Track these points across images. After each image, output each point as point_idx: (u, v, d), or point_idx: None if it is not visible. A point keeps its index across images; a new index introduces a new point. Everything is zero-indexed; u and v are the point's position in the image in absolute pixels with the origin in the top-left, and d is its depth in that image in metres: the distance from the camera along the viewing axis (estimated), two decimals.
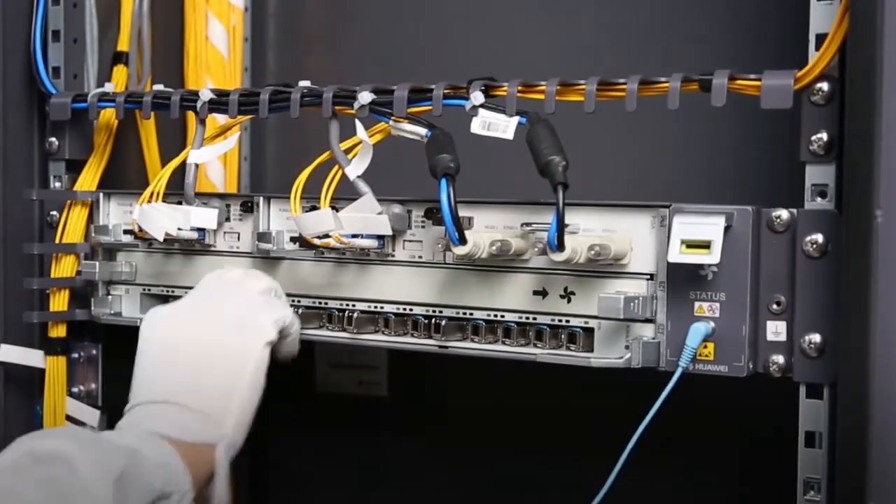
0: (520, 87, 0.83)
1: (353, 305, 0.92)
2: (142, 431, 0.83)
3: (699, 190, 1.03)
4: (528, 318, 0.85)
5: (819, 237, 0.76)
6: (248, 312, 0.89)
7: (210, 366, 0.86)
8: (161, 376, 0.87)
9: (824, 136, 0.76)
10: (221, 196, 0.99)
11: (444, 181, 0.80)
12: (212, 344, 0.87)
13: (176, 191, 0.97)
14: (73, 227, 1.04)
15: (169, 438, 0.82)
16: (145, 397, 0.86)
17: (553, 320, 0.84)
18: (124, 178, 1.11)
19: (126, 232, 1.00)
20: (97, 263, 1.01)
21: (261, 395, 0.87)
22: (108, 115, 1.04)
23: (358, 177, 0.87)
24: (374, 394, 1.25)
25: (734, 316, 0.78)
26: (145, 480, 0.77)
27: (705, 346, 0.79)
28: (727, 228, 0.77)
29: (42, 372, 1.06)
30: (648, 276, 0.81)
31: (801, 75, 0.76)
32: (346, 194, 0.88)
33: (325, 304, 0.93)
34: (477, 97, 0.84)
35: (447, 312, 0.88)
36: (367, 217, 0.87)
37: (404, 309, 0.90)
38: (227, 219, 0.98)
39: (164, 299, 1.01)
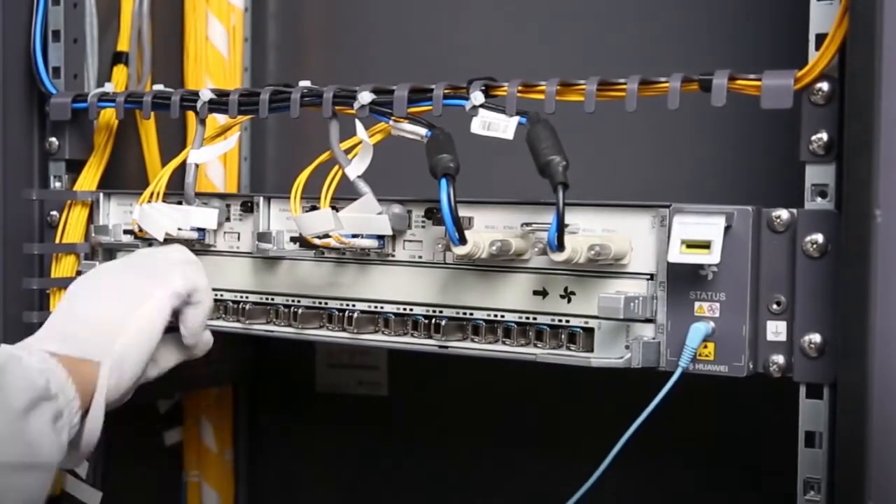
0: (520, 87, 0.83)
1: (353, 305, 0.92)
2: (25, 344, 0.84)
3: (699, 190, 1.03)
4: (528, 318, 0.85)
5: (819, 237, 0.76)
6: (161, 267, 0.91)
7: (111, 299, 0.88)
8: (66, 310, 0.88)
9: (824, 136, 0.76)
10: (221, 196, 0.99)
11: (444, 181, 0.80)
12: (120, 286, 0.89)
13: (176, 191, 0.97)
14: (73, 227, 1.04)
15: (53, 353, 0.82)
16: (47, 330, 0.87)
17: (553, 320, 0.84)
18: (124, 178, 1.11)
19: (126, 232, 1.00)
20: (97, 263, 1.01)
21: (154, 343, 0.88)
22: (108, 115, 1.04)
23: (358, 177, 0.87)
24: (374, 394, 1.25)
25: (734, 316, 0.78)
26: (26, 376, 0.77)
27: (705, 346, 0.79)
28: (727, 228, 0.77)
29: None
30: (648, 276, 0.81)
31: (801, 75, 0.76)
32: (346, 194, 0.88)
33: (325, 304, 0.93)
34: (477, 97, 0.84)
35: (447, 312, 0.88)
36: (367, 217, 0.87)
37: (404, 309, 0.90)
38: (227, 219, 0.98)
39: None
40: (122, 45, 1.12)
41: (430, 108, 0.86)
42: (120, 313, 0.87)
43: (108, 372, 0.84)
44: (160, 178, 0.96)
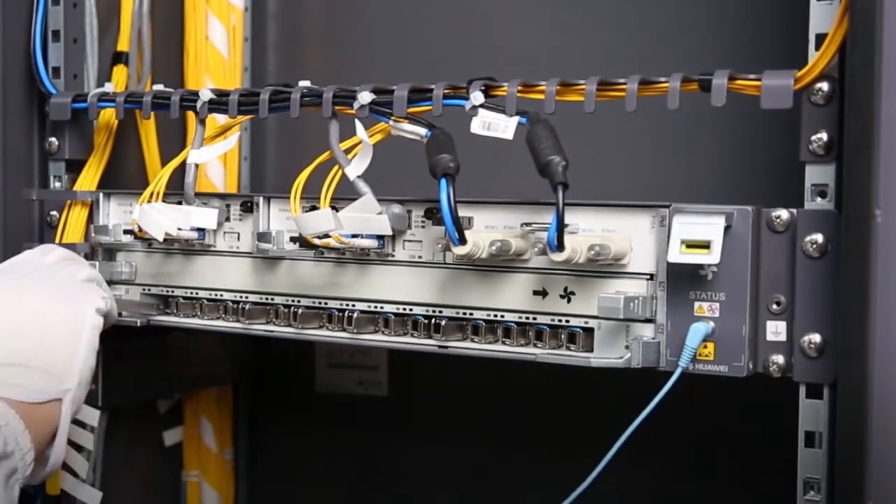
0: (520, 87, 0.83)
1: (353, 305, 0.92)
2: None
3: (699, 190, 1.03)
4: (527, 318, 0.85)
5: (819, 237, 0.76)
6: (78, 289, 0.90)
7: (49, 329, 0.86)
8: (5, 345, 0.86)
9: (824, 136, 0.76)
10: (221, 196, 0.99)
11: (444, 181, 0.80)
12: (46, 311, 0.87)
13: (176, 191, 0.97)
14: (73, 227, 1.04)
15: (8, 401, 0.81)
16: None
17: (553, 320, 0.84)
18: (124, 178, 1.11)
19: (126, 232, 1.00)
20: (97, 263, 1.01)
21: (95, 358, 0.88)
22: (108, 115, 1.04)
23: (358, 177, 0.87)
24: (374, 394, 1.25)
25: (734, 316, 0.78)
26: None
27: (705, 346, 0.79)
28: (727, 228, 0.77)
29: None
30: (648, 276, 0.81)
31: (800, 75, 0.76)
32: (346, 194, 0.88)
33: (325, 304, 0.93)
34: (477, 97, 0.83)
35: (447, 312, 0.88)
36: (367, 217, 0.87)
37: (404, 309, 0.90)
38: (227, 219, 0.98)
39: (164, 299, 1.02)
40: (122, 45, 1.12)
41: (430, 108, 0.86)
42: (64, 342, 0.86)
43: (68, 410, 0.84)
44: (160, 178, 0.96)
